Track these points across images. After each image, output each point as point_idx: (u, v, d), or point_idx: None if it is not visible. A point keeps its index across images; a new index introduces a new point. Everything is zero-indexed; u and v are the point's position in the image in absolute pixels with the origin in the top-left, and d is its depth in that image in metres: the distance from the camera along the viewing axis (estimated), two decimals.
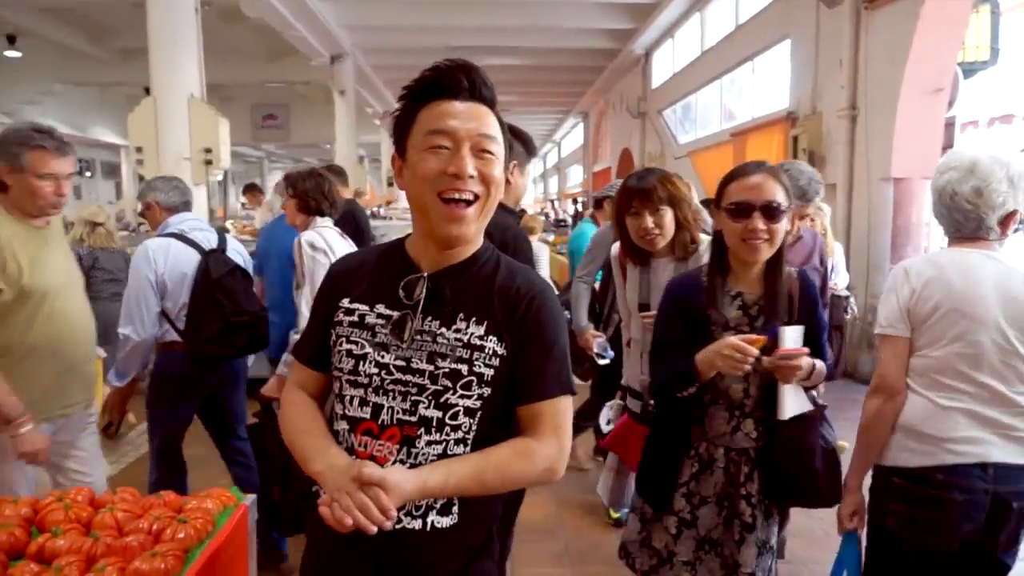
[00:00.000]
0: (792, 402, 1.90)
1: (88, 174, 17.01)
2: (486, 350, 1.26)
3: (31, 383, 2.27)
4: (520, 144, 2.61)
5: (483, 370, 1.26)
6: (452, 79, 1.26)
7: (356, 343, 1.30)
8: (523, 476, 1.28)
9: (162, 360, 3.08)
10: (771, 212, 1.85)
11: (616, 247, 2.71)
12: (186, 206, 3.22)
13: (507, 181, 2.55)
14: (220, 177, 7.65)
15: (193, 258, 3.01)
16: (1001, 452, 1.82)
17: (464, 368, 1.25)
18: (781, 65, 9.17)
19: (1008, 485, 1.81)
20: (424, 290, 1.29)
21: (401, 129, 1.31)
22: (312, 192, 3.06)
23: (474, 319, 1.28)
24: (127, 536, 1.53)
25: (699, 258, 2.42)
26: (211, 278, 2.99)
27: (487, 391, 1.27)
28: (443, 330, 1.27)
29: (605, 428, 2.60)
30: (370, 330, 1.30)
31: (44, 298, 2.30)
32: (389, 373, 1.27)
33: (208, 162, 6.55)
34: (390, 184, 16.22)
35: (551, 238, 12.12)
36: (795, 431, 1.91)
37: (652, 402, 2.29)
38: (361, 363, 1.29)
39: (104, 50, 14.36)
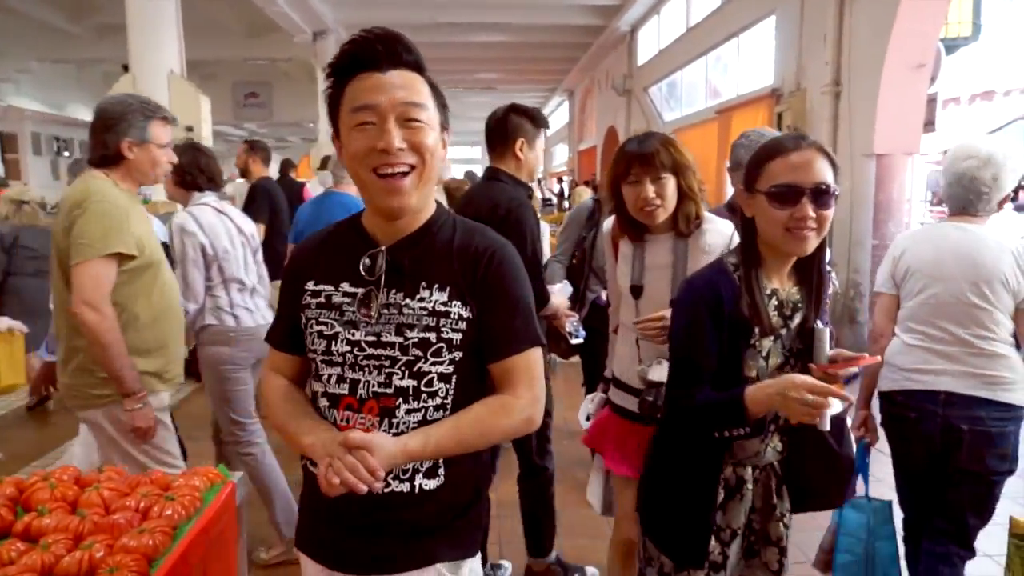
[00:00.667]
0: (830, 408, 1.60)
1: (67, 153, 16.66)
2: (451, 315, 1.28)
3: (160, 353, 2.32)
4: (527, 120, 2.63)
5: (451, 335, 1.28)
6: (369, 51, 1.24)
7: (326, 324, 1.32)
8: (502, 430, 1.30)
9: None
10: (821, 196, 1.52)
11: (610, 222, 2.45)
12: None
13: (516, 157, 2.62)
14: None
15: None
16: (952, 383, 2.27)
17: (432, 336, 1.27)
18: (766, 41, 9.15)
19: (958, 411, 2.25)
20: (384, 264, 1.30)
21: (332, 108, 1.29)
22: (188, 167, 2.99)
23: (436, 286, 1.29)
24: (114, 514, 1.54)
25: (701, 235, 2.19)
26: None
27: (458, 355, 1.29)
28: (408, 301, 1.28)
29: (584, 424, 2.42)
30: (337, 309, 1.31)
31: (159, 270, 2.33)
32: (361, 349, 1.29)
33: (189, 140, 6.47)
34: None
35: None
36: (825, 437, 1.65)
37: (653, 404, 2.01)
38: (333, 343, 1.31)
39: (82, 26, 14.08)
